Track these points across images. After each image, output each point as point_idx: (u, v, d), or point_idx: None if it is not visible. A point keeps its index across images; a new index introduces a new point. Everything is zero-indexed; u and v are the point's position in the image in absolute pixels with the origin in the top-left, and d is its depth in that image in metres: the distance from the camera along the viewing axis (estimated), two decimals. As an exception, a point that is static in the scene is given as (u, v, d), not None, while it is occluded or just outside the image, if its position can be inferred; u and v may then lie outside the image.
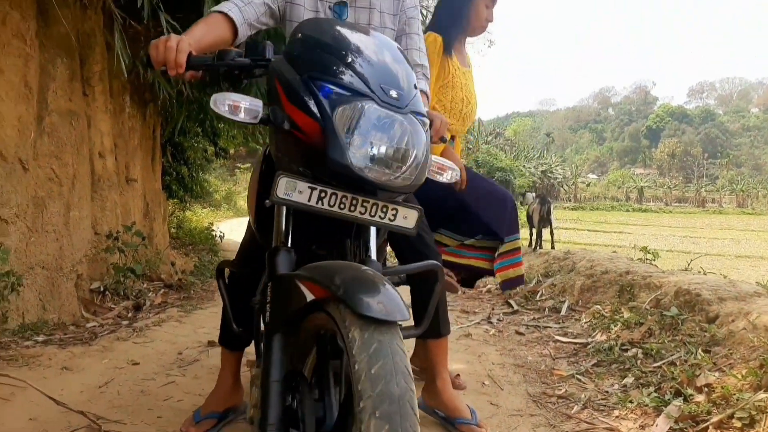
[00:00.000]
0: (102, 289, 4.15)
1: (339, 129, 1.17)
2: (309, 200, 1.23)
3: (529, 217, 7.03)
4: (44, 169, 3.64)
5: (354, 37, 1.35)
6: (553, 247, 6.60)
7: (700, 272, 4.11)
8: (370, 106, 1.20)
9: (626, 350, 2.89)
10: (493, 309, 4.35)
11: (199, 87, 6.10)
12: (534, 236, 6.64)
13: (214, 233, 13.40)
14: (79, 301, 3.92)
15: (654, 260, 5.26)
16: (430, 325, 1.52)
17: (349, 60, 1.26)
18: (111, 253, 4.29)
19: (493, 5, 2.41)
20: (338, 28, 1.38)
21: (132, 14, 4.20)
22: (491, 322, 3.96)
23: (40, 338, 3.18)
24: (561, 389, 2.54)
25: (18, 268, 3.31)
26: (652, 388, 2.36)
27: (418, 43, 2.00)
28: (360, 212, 1.25)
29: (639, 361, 2.68)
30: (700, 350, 2.56)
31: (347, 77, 1.22)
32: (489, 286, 5.17)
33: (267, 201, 1.28)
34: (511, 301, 4.47)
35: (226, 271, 1.82)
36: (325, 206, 1.23)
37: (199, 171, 12.98)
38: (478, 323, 3.98)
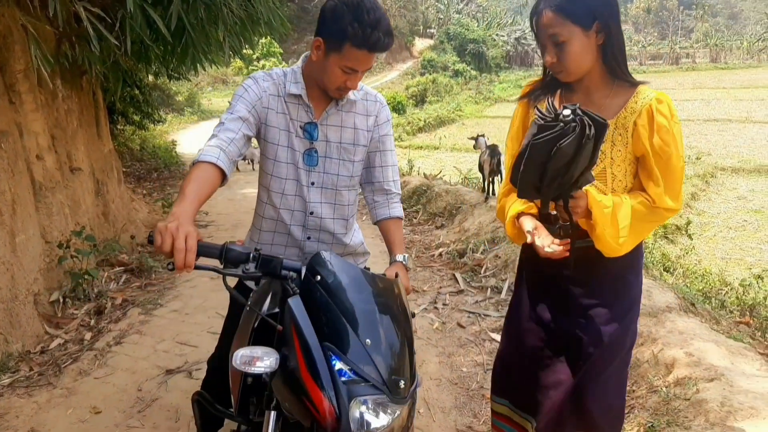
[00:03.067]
0: (62, 299, 4.28)
1: (353, 422, 1.28)
2: None
3: (480, 167, 7.13)
4: (-19, 205, 3.62)
5: (369, 307, 1.41)
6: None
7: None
8: (384, 404, 1.31)
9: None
10: (440, 288, 4.59)
11: (135, 57, 5.84)
12: (486, 184, 6.79)
13: (176, 158, 13.24)
14: (40, 318, 4.06)
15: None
16: None
17: (368, 341, 1.34)
18: (64, 261, 4.36)
19: (547, 49, 1.74)
20: (357, 287, 1.43)
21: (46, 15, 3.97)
22: (437, 308, 4.21)
23: (6, 380, 3.37)
24: (486, 423, 2.83)
25: (-28, 312, 3.42)
26: (561, 429, 2.64)
27: (392, 158, 2.08)
28: None
29: (557, 386, 2.96)
30: (608, 380, 2.83)
31: (365, 366, 1.32)
32: (441, 250, 5.39)
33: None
34: (458, 276, 4.71)
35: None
36: None
37: (152, 93, 12.58)
38: (425, 309, 4.23)
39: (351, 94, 1.95)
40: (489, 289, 4.38)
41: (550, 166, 1.52)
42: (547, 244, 1.68)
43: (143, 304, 4.50)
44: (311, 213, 2.02)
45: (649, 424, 2.40)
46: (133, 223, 6.65)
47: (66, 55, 4.59)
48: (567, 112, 1.50)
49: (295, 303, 1.41)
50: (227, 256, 1.47)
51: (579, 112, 1.49)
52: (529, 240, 1.72)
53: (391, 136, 2.08)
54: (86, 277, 4.46)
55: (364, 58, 1.77)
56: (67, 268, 4.44)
